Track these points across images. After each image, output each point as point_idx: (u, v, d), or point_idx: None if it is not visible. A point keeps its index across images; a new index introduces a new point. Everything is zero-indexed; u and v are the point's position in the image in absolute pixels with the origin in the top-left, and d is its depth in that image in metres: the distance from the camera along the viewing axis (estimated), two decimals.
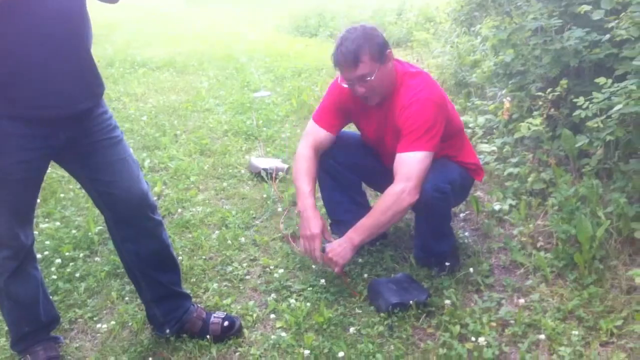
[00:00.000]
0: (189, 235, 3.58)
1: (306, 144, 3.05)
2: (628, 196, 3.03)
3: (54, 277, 3.13)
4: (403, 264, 3.10)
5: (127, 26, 13.08)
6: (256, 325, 2.74)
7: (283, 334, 2.63)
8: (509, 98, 4.23)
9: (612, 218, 2.98)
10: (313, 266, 3.15)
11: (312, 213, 2.91)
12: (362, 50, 2.69)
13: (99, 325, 2.78)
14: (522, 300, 2.77)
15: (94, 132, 2.28)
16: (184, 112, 6.29)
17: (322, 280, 2.98)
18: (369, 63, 2.71)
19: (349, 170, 3.16)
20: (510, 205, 3.57)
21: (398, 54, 8.62)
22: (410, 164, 2.70)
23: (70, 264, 3.28)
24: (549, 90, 3.78)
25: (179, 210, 3.92)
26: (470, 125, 4.71)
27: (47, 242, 3.46)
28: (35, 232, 3.41)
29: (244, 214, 3.80)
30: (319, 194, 3.30)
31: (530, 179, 3.64)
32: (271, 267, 3.18)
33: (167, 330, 2.59)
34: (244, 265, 3.23)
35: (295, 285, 3.00)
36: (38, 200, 3.38)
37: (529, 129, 3.70)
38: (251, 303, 2.88)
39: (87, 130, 2.27)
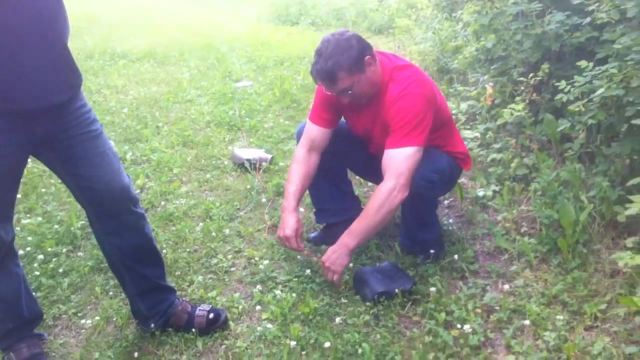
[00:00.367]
0: (173, 228, 3.55)
1: (300, 145, 3.05)
2: (610, 180, 3.04)
3: (37, 273, 3.10)
4: (388, 252, 3.10)
5: (106, 18, 12.94)
6: (242, 318, 2.73)
7: (269, 325, 2.63)
8: (491, 84, 4.23)
9: (595, 202, 2.99)
10: (298, 257, 3.14)
11: (288, 214, 2.93)
12: (338, 67, 2.64)
13: (83, 321, 2.76)
14: (506, 286, 2.78)
15: (73, 125, 2.25)
16: (166, 103, 6.24)
17: (308, 271, 2.97)
18: (346, 78, 2.68)
19: (333, 158, 3.14)
20: (494, 191, 3.58)
21: (380, 41, 8.66)
22: (400, 160, 2.67)
23: (53, 259, 3.25)
24: (530, 75, 3.78)
25: (162, 202, 3.90)
26: (453, 111, 4.71)
27: (29, 238, 3.42)
28: (17, 228, 3.40)
29: (228, 206, 3.79)
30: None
31: (513, 165, 3.65)
32: (256, 259, 3.17)
33: (152, 325, 2.57)
34: (229, 257, 3.22)
35: (281, 276, 2.99)
36: (19, 196, 3.34)
37: (512, 114, 3.70)
38: (236, 295, 2.87)
39: (65, 124, 2.23)
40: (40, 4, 2.06)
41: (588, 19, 3.39)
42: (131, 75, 7.63)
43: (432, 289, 2.72)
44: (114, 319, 2.75)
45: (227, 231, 3.46)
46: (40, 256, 3.24)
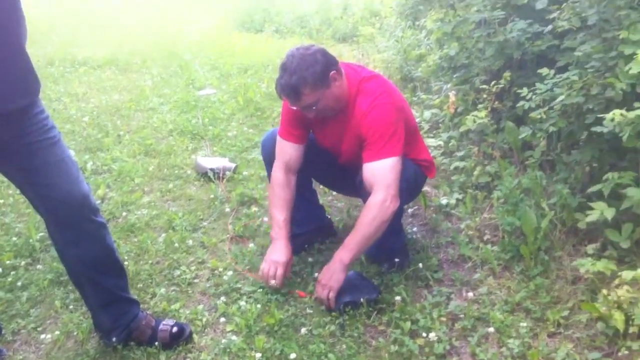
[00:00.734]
0: (135, 239, 3.50)
1: (276, 167, 3.00)
2: (571, 187, 3.08)
3: None
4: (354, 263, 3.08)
5: (65, 24, 12.74)
6: (206, 330, 2.70)
7: (234, 337, 2.60)
8: (454, 92, 4.27)
9: (556, 209, 3.03)
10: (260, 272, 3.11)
11: (283, 243, 2.90)
12: (301, 83, 2.62)
13: (43, 336, 2.69)
14: (470, 294, 2.79)
15: (30, 132, 2.19)
16: (127, 111, 6.16)
17: (272, 281, 2.94)
18: (310, 94, 2.66)
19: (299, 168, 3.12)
20: (457, 199, 3.61)
21: (344, 49, 8.68)
22: (384, 172, 2.65)
23: (11, 272, 3.17)
24: (493, 83, 3.82)
25: (124, 213, 3.83)
26: (417, 120, 4.72)
27: None
28: None
29: (191, 216, 3.74)
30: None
31: (475, 173, 3.68)
32: (220, 270, 3.14)
33: (114, 339, 2.52)
34: (192, 268, 3.17)
35: (245, 287, 2.96)
36: None
37: (475, 122, 3.73)
38: (200, 307, 2.83)
39: (23, 131, 2.17)
40: None
41: (549, 27, 3.43)
42: (92, 82, 7.52)
43: (397, 297, 2.72)
44: (75, 333, 2.69)
45: (190, 242, 3.42)
46: None
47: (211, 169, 4.28)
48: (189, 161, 4.67)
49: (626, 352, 2.25)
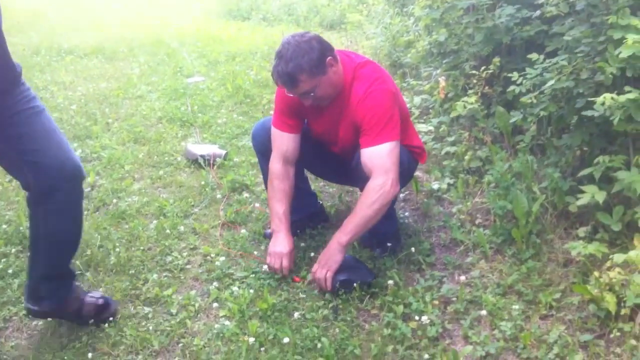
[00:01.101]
0: (126, 226, 3.48)
1: (274, 158, 2.99)
2: (561, 171, 3.10)
3: None
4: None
5: (51, 12, 12.60)
6: (199, 315, 2.70)
7: (227, 322, 2.60)
8: (443, 77, 4.27)
9: (547, 193, 3.05)
10: (255, 252, 3.11)
11: (284, 235, 2.91)
12: (298, 70, 2.61)
13: (35, 323, 2.68)
14: (463, 278, 2.80)
15: (12, 105, 2.22)
16: (115, 99, 6.11)
17: (265, 267, 2.95)
18: (308, 81, 2.64)
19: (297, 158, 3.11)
20: (449, 184, 3.62)
21: (332, 36, 8.64)
22: (383, 157, 2.66)
23: (2, 260, 3.15)
24: (482, 68, 3.82)
25: (114, 200, 3.82)
26: (407, 105, 4.72)
27: None
28: None
29: (182, 202, 3.73)
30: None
31: (467, 157, 3.70)
32: (212, 255, 3.13)
33: (43, 305, 2.49)
34: (184, 254, 3.17)
35: (238, 272, 2.96)
36: None
37: (465, 107, 3.73)
38: (193, 293, 2.83)
39: (7, 105, 2.20)
40: None
41: (538, 12, 3.44)
42: (79, 71, 7.45)
43: (390, 281, 2.73)
44: None
45: (181, 228, 3.41)
46: None
47: (201, 156, 4.26)
48: (178, 148, 4.65)
49: (618, 333, 2.27)
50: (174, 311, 2.71)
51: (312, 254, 3.05)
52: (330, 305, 2.66)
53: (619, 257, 2.34)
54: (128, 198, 3.83)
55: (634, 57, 2.56)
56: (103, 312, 2.59)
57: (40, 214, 2.39)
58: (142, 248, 3.23)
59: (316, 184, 3.80)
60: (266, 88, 6.15)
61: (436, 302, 2.64)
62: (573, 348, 2.28)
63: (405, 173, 2.95)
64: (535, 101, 3.16)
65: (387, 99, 2.72)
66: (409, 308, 2.59)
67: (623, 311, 2.30)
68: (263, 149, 3.13)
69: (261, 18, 11.20)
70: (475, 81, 3.89)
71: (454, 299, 2.66)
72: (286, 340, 2.43)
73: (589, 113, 2.75)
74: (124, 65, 7.80)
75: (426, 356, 2.34)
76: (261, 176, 3.35)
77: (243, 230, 3.35)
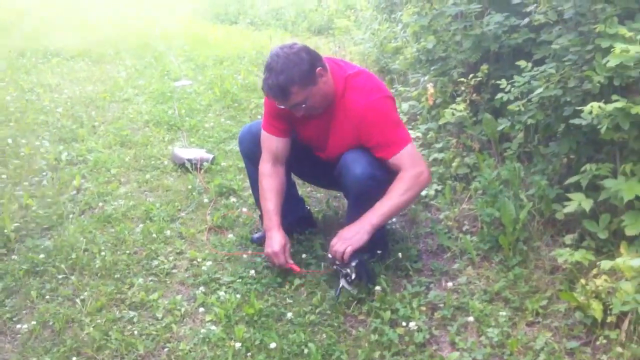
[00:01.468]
0: (112, 229, 3.46)
1: (263, 159, 2.99)
2: (548, 178, 3.12)
3: None
4: (329, 256, 3.06)
5: (36, 13, 12.52)
6: (185, 320, 2.68)
7: (213, 327, 2.58)
8: (432, 84, 4.28)
9: (534, 200, 3.06)
10: (244, 256, 3.10)
11: (274, 232, 2.89)
12: (289, 82, 2.60)
13: (19, 326, 2.65)
14: (450, 284, 2.81)
15: None
16: (102, 102, 6.08)
17: (252, 272, 2.94)
18: (299, 92, 2.64)
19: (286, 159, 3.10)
20: (436, 190, 3.63)
21: (320, 41, 8.66)
22: (409, 157, 2.73)
23: None
24: (470, 75, 3.84)
25: (100, 204, 3.79)
26: None
27: None
28: None
29: (169, 206, 3.71)
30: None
31: (454, 164, 3.71)
32: (199, 260, 3.12)
33: None
34: (170, 258, 3.15)
35: (224, 277, 2.95)
36: None
37: (453, 115, 3.75)
38: (179, 297, 2.81)
39: None
40: None
41: (526, 20, 3.46)
42: (65, 73, 7.40)
43: (377, 287, 2.72)
44: (51, 323, 2.65)
45: (168, 232, 3.39)
46: None
47: (188, 160, 4.24)
48: (165, 152, 4.63)
49: (604, 341, 2.28)
50: (159, 315, 2.69)
51: (303, 255, 3.06)
52: (318, 309, 2.65)
53: (606, 264, 2.34)
54: (114, 202, 3.81)
55: (622, 66, 2.57)
56: None
57: None
58: (127, 252, 3.20)
59: (303, 189, 3.80)
60: (254, 92, 6.14)
61: (423, 308, 2.64)
62: (559, 355, 2.29)
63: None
64: (523, 109, 3.18)
65: (388, 107, 2.78)
66: (396, 314, 2.59)
67: (609, 318, 2.30)
68: (250, 154, 3.12)
69: (249, 22, 11.21)
70: (463, 88, 3.91)
71: (441, 305, 2.66)
72: (273, 345, 2.42)
73: (576, 121, 2.77)
74: (111, 68, 7.77)
75: None
76: (248, 181, 3.34)
77: (230, 235, 3.34)
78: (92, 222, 3.52)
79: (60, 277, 2.99)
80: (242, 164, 4.01)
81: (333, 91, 2.76)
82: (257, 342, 2.46)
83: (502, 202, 2.98)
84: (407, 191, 2.70)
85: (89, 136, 4.99)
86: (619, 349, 2.21)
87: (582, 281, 2.45)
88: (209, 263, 3.06)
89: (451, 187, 3.55)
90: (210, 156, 4.34)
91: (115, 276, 2.99)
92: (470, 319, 2.53)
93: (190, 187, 3.95)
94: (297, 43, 2.76)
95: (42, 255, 3.14)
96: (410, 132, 4.18)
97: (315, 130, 2.90)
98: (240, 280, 2.91)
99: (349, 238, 2.66)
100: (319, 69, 2.67)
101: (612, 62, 2.57)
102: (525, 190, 3.15)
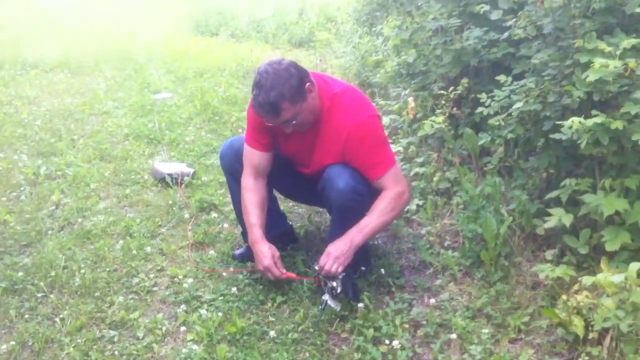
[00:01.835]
0: (91, 246, 3.42)
1: (245, 174, 2.97)
2: (529, 193, 3.13)
3: None
4: (315, 268, 3.06)
5: (13, 25, 12.40)
6: (166, 339, 2.65)
7: (194, 346, 2.56)
8: (412, 98, 4.29)
9: (515, 215, 3.07)
10: (224, 274, 3.08)
11: (260, 246, 2.85)
12: (280, 99, 2.59)
13: None
14: (432, 300, 2.81)
15: None
16: (81, 115, 6.03)
17: (234, 289, 2.92)
18: (290, 108, 2.63)
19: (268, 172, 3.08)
20: (418, 205, 3.63)
21: (301, 54, 8.66)
22: (393, 179, 2.77)
23: None
24: (450, 89, 3.86)
25: (79, 220, 3.75)
26: None
27: None
28: None
29: (149, 222, 3.68)
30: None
31: (435, 179, 3.71)
32: (180, 277, 3.09)
33: None
34: (151, 276, 3.12)
35: (206, 294, 2.92)
36: None
37: (432, 126, 3.76)
38: (160, 316, 2.78)
39: None
40: None
41: (505, 35, 3.48)
42: (44, 85, 7.34)
43: (360, 304, 2.71)
44: (30, 343, 2.62)
45: (148, 249, 3.36)
46: None
47: (169, 174, 4.21)
48: (145, 166, 4.60)
49: (586, 357, 2.28)
50: (140, 335, 2.66)
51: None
52: (301, 327, 2.64)
53: (587, 280, 2.35)
54: (93, 217, 3.77)
55: (601, 81, 2.59)
56: None
57: None
58: (107, 269, 3.17)
59: (285, 204, 3.78)
60: (235, 105, 6.13)
61: (406, 325, 2.64)
62: None
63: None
64: (503, 123, 3.19)
65: (375, 126, 2.81)
66: (379, 332, 2.58)
67: (591, 335, 2.31)
68: (231, 169, 3.10)
69: (230, 34, 11.19)
70: (443, 102, 3.92)
71: (424, 322, 2.65)
72: None
73: (556, 136, 2.78)
74: (90, 79, 7.72)
75: None
76: (229, 196, 3.32)
77: (211, 251, 3.31)
78: (72, 239, 3.48)
79: (39, 295, 2.95)
80: (223, 179, 3.99)
81: (320, 107, 2.76)
82: None
83: (484, 218, 2.99)
84: (393, 210, 2.74)
85: (67, 150, 4.94)
86: None
87: (564, 297, 2.45)
88: (190, 280, 3.03)
89: (432, 202, 3.56)
90: (191, 170, 4.32)
91: (95, 294, 2.95)
92: (453, 336, 2.54)
93: (170, 202, 3.92)
94: (285, 59, 2.76)
95: (20, 273, 3.10)
96: (391, 146, 4.23)
97: (300, 146, 2.89)
98: (222, 297, 2.88)
99: (338, 257, 2.66)
100: (307, 84, 2.67)
101: (591, 76, 2.59)
102: (506, 205, 3.17)
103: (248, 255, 3.18)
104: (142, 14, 14.54)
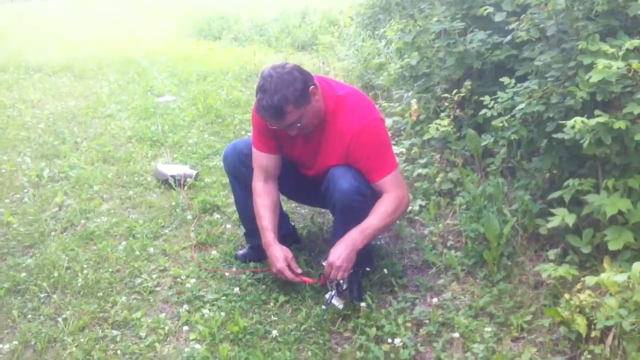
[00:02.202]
0: (94, 247, 3.43)
1: (255, 177, 2.98)
2: (531, 193, 3.13)
3: None
4: (318, 268, 3.06)
5: (17, 31, 12.47)
6: (169, 339, 2.65)
7: (197, 346, 2.55)
8: (415, 100, 4.30)
9: (518, 215, 3.07)
10: (226, 274, 3.08)
11: (272, 249, 2.85)
12: (285, 102, 2.59)
13: (0, 346, 2.61)
14: (435, 300, 2.80)
15: None
16: (84, 118, 6.05)
17: (236, 289, 2.92)
18: (294, 111, 2.64)
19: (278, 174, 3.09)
20: (420, 206, 3.63)
21: (304, 57, 8.68)
22: (393, 182, 2.76)
23: None
24: (454, 91, 3.86)
25: (82, 221, 3.75)
26: None
27: None
28: None
29: (152, 223, 3.68)
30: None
31: (438, 179, 3.72)
32: (182, 277, 3.09)
33: None
34: (154, 276, 3.12)
35: (208, 294, 2.92)
36: None
37: (437, 130, 3.76)
38: (162, 315, 2.78)
39: None
40: None
41: (509, 37, 3.48)
42: (47, 89, 7.37)
43: (363, 304, 2.71)
44: (33, 342, 2.62)
45: (151, 250, 3.36)
46: None
47: (172, 176, 4.22)
48: (148, 168, 4.60)
49: (589, 356, 2.27)
50: (143, 334, 2.66)
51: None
52: (303, 327, 2.64)
53: (590, 280, 2.35)
54: (97, 219, 3.77)
55: (604, 82, 2.59)
56: None
57: None
58: (110, 270, 3.17)
59: (288, 205, 3.79)
60: (237, 108, 6.14)
61: (409, 324, 2.64)
62: None
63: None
64: (506, 124, 3.19)
65: (380, 130, 2.80)
66: (382, 330, 2.58)
67: (593, 333, 2.30)
68: (235, 171, 3.10)
69: (232, 38, 11.22)
70: (446, 104, 3.93)
71: (427, 321, 2.65)
72: None
73: (559, 136, 2.78)
74: (93, 83, 7.75)
75: None
76: (232, 197, 3.33)
77: (214, 252, 3.31)
78: (74, 240, 3.49)
79: (42, 295, 2.95)
80: (225, 180, 4.00)
81: (324, 110, 2.77)
82: None
83: (486, 218, 2.99)
84: (393, 213, 2.73)
85: (71, 152, 4.95)
86: None
87: (566, 296, 2.45)
88: (192, 280, 3.03)
89: (435, 203, 3.56)
90: (194, 172, 4.32)
91: (98, 294, 2.96)
92: (456, 334, 2.53)
93: (173, 203, 3.93)
94: (288, 62, 2.76)
95: (23, 274, 3.11)
96: (394, 147, 4.23)
97: (304, 148, 2.90)
98: (225, 297, 2.88)
99: (340, 265, 2.63)
100: (311, 87, 2.68)
101: (594, 77, 2.59)
102: (509, 205, 3.17)
103: (250, 256, 3.20)
104: (145, 19, 14.60)
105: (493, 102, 3.25)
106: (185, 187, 4.15)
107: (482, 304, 2.70)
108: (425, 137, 3.95)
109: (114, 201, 4.07)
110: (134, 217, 3.79)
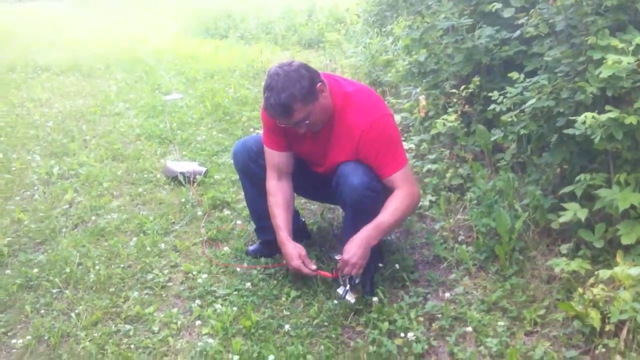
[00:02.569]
0: (105, 243, 3.44)
1: (268, 177, 2.99)
2: (542, 188, 3.13)
3: None
4: (329, 263, 3.07)
5: (24, 31, 12.50)
6: (181, 333, 2.66)
7: (210, 340, 2.56)
8: (424, 96, 4.30)
9: (529, 210, 3.06)
10: (238, 269, 3.09)
11: (286, 246, 2.87)
12: (292, 100, 2.60)
13: (14, 341, 2.62)
14: (447, 294, 2.80)
15: None
16: (93, 116, 6.07)
17: (248, 284, 2.93)
18: (302, 109, 2.64)
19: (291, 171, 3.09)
20: (430, 201, 3.63)
21: (310, 55, 8.68)
22: (404, 178, 2.77)
23: None
24: (462, 87, 3.86)
25: (93, 217, 3.77)
26: None
27: None
28: None
29: (162, 220, 3.69)
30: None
31: (448, 175, 3.72)
32: (194, 273, 3.10)
33: None
34: (165, 272, 3.13)
35: (220, 289, 2.93)
36: None
37: (445, 125, 3.76)
38: (175, 310, 2.79)
39: None
40: None
41: (517, 33, 3.48)
42: (55, 88, 7.39)
43: (375, 298, 2.71)
44: (46, 337, 2.63)
45: (162, 245, 3.37)
46: None
47: (181, 173, 4.23)
48: (158, 165, 4.62)
49: (603, 349, 2.27)
50: (155, 329, 2.67)
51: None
52: (315, 321, 2.65)
53: (604, 273, 2.35)
54: (107, 215, 3.79)
55: (614, 77, 2.59)
56: None
57: None
58: (122, 265, 3.19)
59: (298, 201, 3.78)
60: (245, 105, 6.15)
61: (421, 318, 2.64)
62: None
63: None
64: (515, 120, 3.19)
65: (389, 125, 2.81)
66: (394, 325, 2.58)
67: (607, 327, 2.30)
68: (244, 168, 3.11)
69: (239, 36, 11.24)
70: (455, 100, 3.93)
71: (439, 315, 2.65)
72: (271, 357, 2.40)
73: (570, 131, 2.77)
74: (101, 82, 7.78)
75: None
76: (242, 193, 3.33)
77: (225, 248, 3.32)
78: (86, 236, 3.50)
79: (54, 291, 2.97)
80: (235, 177, 4.02)
81: (332, 106, 2.77)
82: (254, 355, 2.45)
83: (497, 212, 2.99)
84: (406, 209, 2.75)
85: (80, 150, 4.97)
86: (618, 358, 2.21)
87: (580, 290, 2.45)
88: (204, 276, 3.04)
89: (445, 198, 3.56)
90: (203, 169, 4.33)
91: (110, 290, 2.97)
92: (469, 329, 2.53)
93: (183, 200, 3.94)
94: (295, 60, 2.77)
95: (35, 270, 3.12)
96: (403, 143, 4.24)
97: (313, 145, 2.90)
98: (237, 292, 2.89)
99: (355, 263, 2.64)
100: (319, 84, 2.68)
101: (604, 73, 2.59)
102: (520, 200, 3.16)
103: (261, 251, 3.21)
104: (151, 19, 14.62)
105: (502, 97, 3.25)
106: (195, 184, 4.16)
107: (495, 299, 2.70)
108: (433, 132, 3.96)
109: (124, 198, 4.08)
110: (144, 214, 3.80)
